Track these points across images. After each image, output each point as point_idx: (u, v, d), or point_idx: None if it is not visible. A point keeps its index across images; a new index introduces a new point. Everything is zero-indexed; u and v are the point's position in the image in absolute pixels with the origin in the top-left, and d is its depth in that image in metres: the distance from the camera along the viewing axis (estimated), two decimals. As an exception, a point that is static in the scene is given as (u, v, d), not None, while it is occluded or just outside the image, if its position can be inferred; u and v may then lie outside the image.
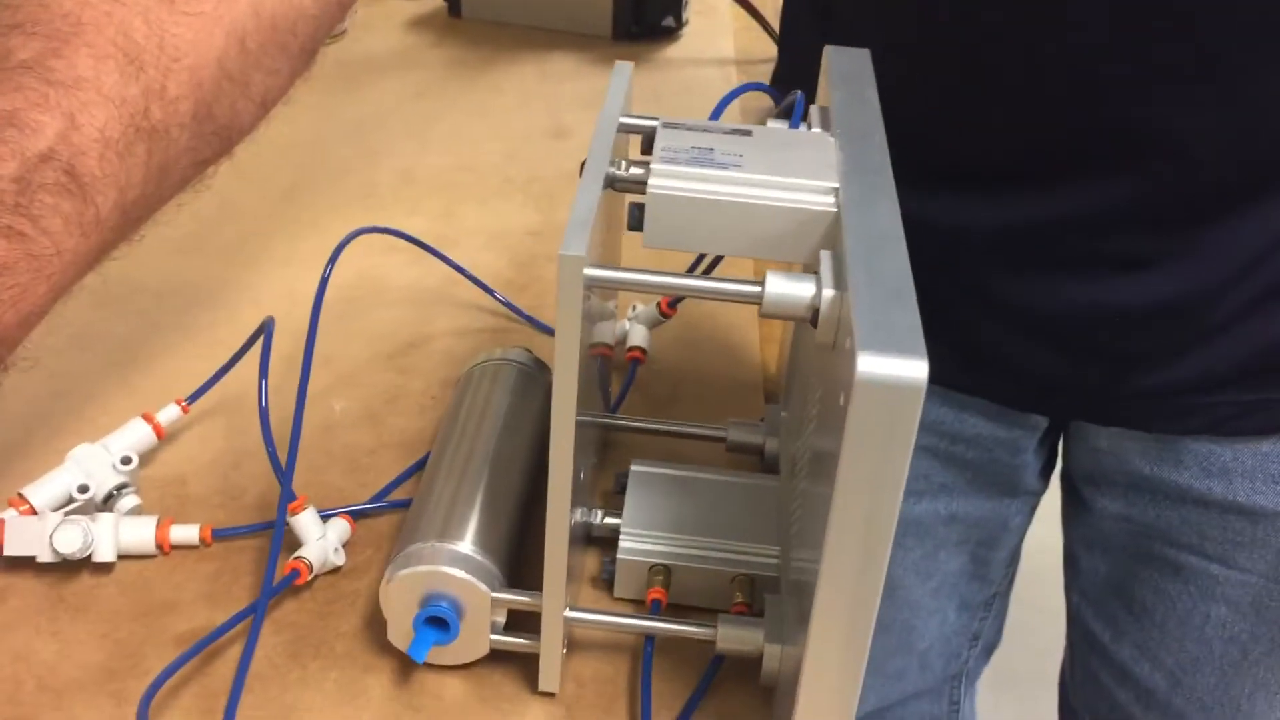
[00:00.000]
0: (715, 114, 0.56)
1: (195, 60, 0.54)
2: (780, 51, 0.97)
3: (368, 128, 0.98)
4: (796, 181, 0.47)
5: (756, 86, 0.60)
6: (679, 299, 0.70)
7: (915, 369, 0.37)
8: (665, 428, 0.63)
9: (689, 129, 0.50)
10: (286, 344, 0.68)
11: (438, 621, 0.50)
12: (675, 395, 0.69)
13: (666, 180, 0.47)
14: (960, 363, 0.88)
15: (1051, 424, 0.94)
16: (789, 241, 0.47)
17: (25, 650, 0.52)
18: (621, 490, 0.58)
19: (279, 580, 0.54)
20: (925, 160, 0.81)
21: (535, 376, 0.63)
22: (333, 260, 0.64)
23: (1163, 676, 0.95)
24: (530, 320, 0.74)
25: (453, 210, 0.86)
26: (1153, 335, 0.79)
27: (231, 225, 0.83)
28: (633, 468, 0.59)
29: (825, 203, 0.46)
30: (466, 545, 0.51)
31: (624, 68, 0.56)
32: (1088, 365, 0.82)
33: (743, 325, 0.76)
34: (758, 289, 0.44)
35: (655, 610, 0.54)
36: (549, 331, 0.74)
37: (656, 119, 0.52)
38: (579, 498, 0.52)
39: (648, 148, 0.51)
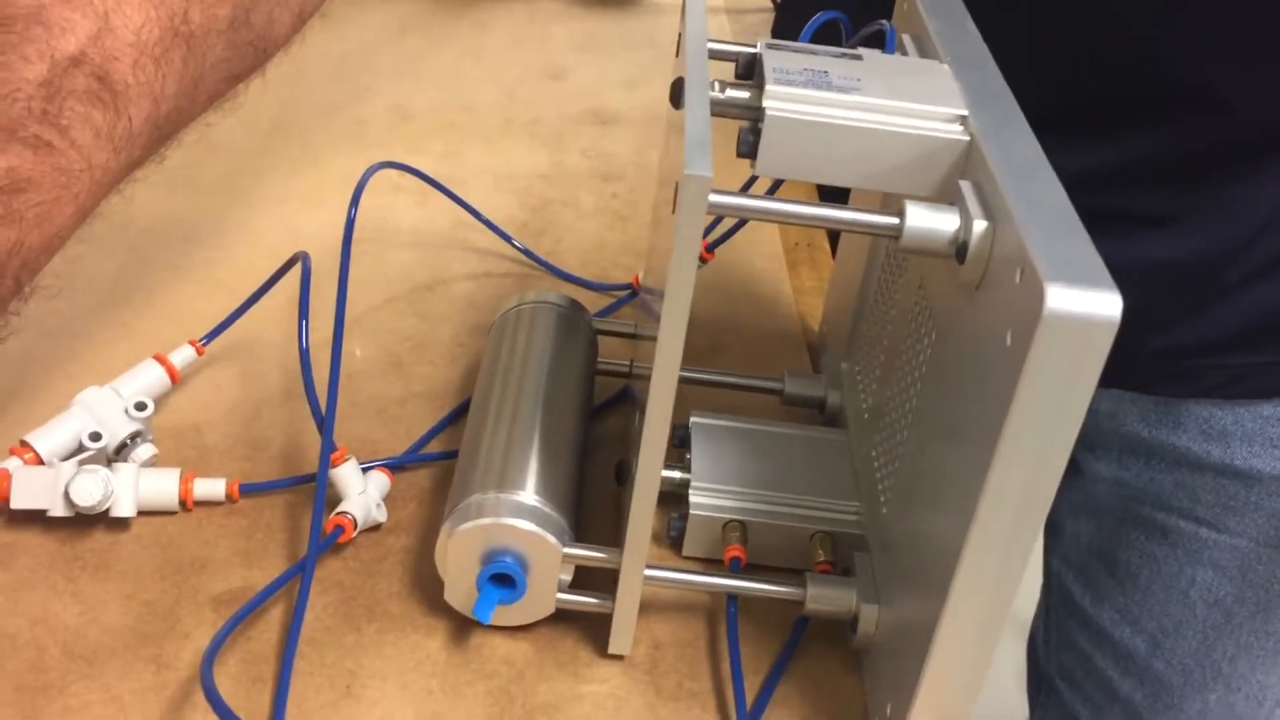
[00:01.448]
0: (804, 38, 0.52)
1: None
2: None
3: (352, 63, 0.92)
4: (922, 108, 0.43)
5: (834, 15, 0.56)
6: (720, 242, 0.66)
7: (1109, 304, 0.35)
8: (718, 378, 0.60)
9: (795, 51, 0.46)
10: (291, 285, 0.63)
11: (503, 579, 0.46)
12: (715, 345, 0.66)
13: (784, 103, 0.43)
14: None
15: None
16: (917, 171, 0.43)
17: (44, 613, 0.47)
18: (680, 443, 0.55)
19: (323, 538, 0.49)
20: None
21: (574, 319, 0.58)
22: (355, 199, 0.59)
23: (1143, 640, 0.95)
24: (551, 268, 0.70)
25: (456, 150, 0.81)
26: (1167, 295, 0.78)
27: (219, 161, 0.77)
28: (693, 419, 0.55)
29: (955, 130, 0.43)
30: (530, 495, 0.47)
31: (699, -9, 0.52)
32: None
33: (773, 274, 0.72)
34: (895, 221, 0.40)
35: (735, 568, 0.50)
36: (570, 279, 0.70)
37: (750, 43, 0.48)
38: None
39: (746, 73, 0.48)
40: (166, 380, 0.56)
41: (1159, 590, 0.95)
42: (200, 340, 0.57)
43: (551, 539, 0.46)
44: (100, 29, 0.45)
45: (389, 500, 0.53)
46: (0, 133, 0.43)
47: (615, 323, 0.61)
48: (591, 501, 0.52)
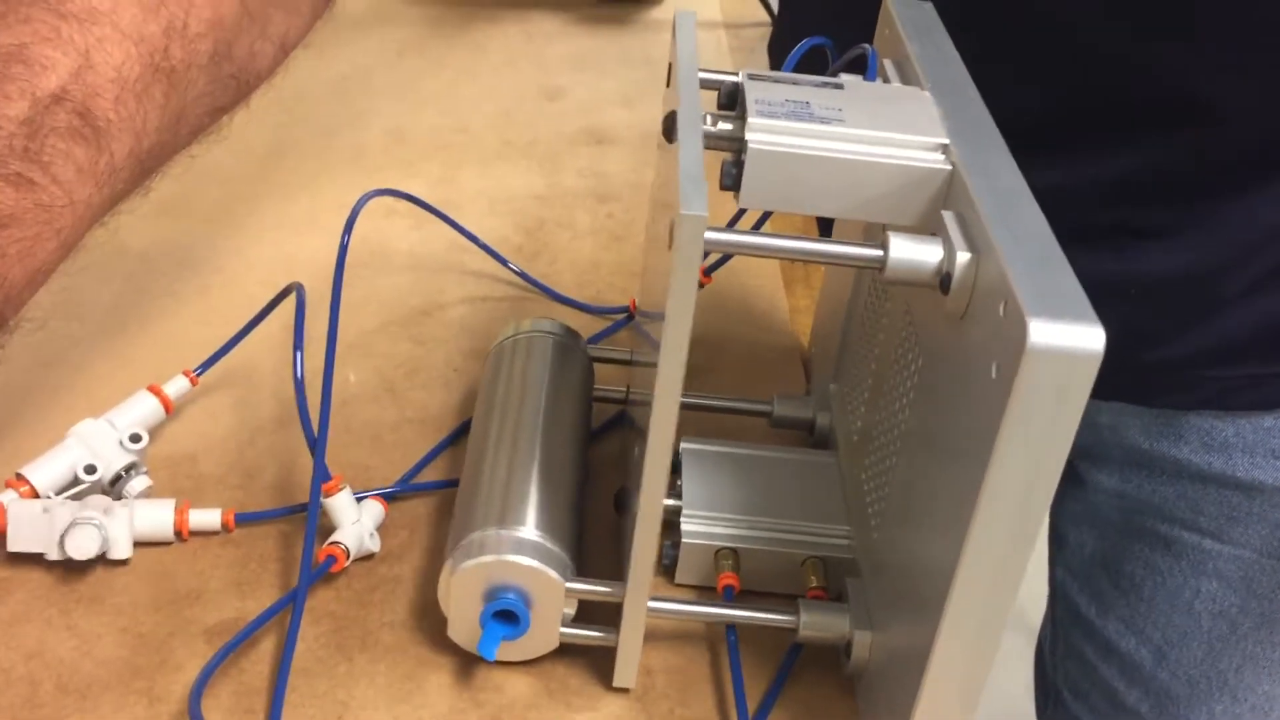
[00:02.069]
0: (787, 69, 0.52)
1: None
2: (781, 12, 0.93)
3: (350, 87, 0.92)
4: (904, 138, 0.43)
5: (819, 42, 0.56)
6: (717, 265, 0.66)
7: (1092, 337, 0.35)
8: (707, 402, 0.60)
9: (776, 81, 0.47)
10: (286, 313, 0.63)
11: (506, 615, 0.46)
12: (711, 366, 0.66)
13: (766, 135, 0.43)
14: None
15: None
16: (899, 201, 0.43)
17: (39, 648, 0.47)
18: (671, 470, 0.55)
19: (314, 568, 0.49)
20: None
21: (570, 347, 0.59)
22: (349, 226, 0.59)
23: (1149, 651, 0.95)
24: (546, 290, 0.70)
25: (451, 174, 0.82)
26: (1164, 307, 0.78)
27: (214, 187, 0.77)
28: (683, 445, 0.56)
29: (937, 159, 0.43)
30: (530, 531, 0.47)
31: (687, 16, 0.52)
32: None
33: (770, 293, 0.72)
34: (879, 253, 0.40)
35: (729, 596, 0.50)
36: (566, 302, 0.70)
37: (733, 73, 0.48)
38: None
39: (729, 103, 0.48)
40: (161, 411, 0.56)
41: (1163, 601, 0.95)
42: (195, 370, 0.58)
43: (554, 574, 0.46)
44: (81, 66, 0.45)
45: (383, 528, 0.54)
46: None
47: (611, 350, 0.61)
48: (590, 529, 0.53)
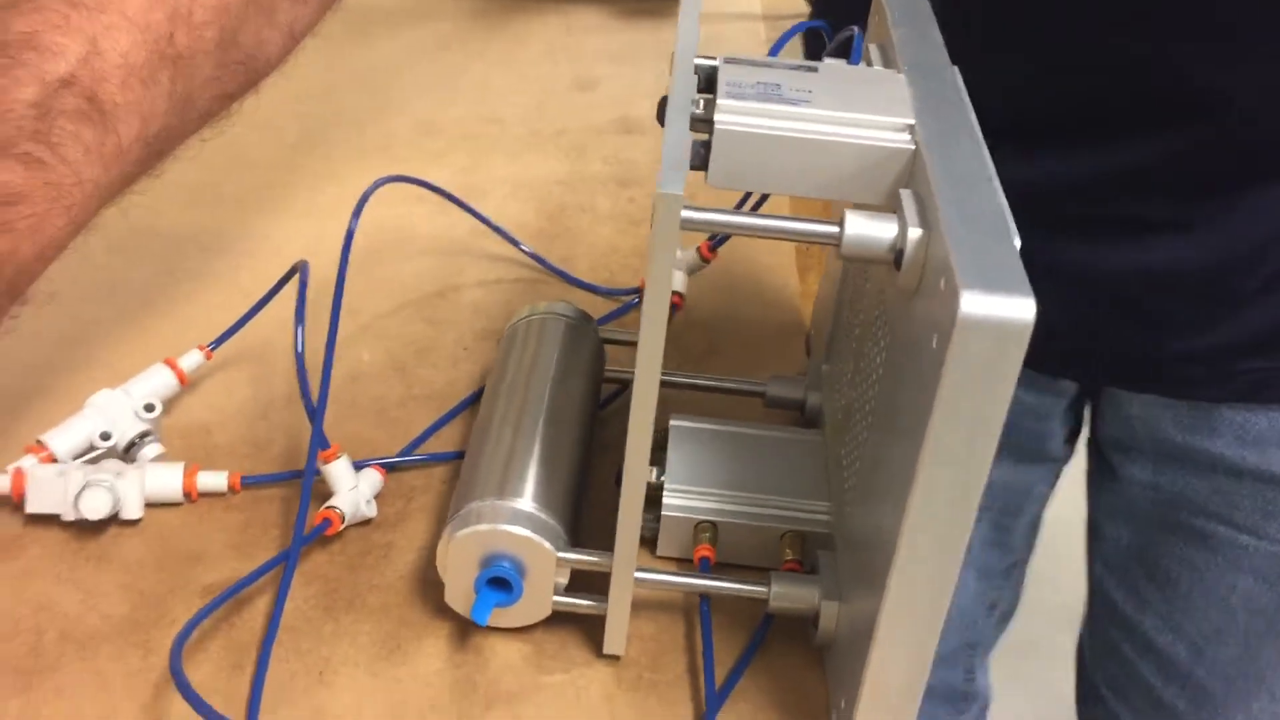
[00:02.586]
0: (773, 52, 0.53)
1: None
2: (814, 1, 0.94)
3: (382, 78, 0.95)
4: (870, 118, 0.44)
5: (815, 25, 0.57)
6: (720, 242, 0.67)
7: (1022, 308, 0.35)
8: (702, 382, 0.61)
9: (752, 65, 0.48)
10: (309, 293, 0.66)
11: (499, 583, 0.48)
12: (713, 348, 0.67)
13: (733, 116, 0.44)
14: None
15: (1081, 390, 0.92)
16: (863, 180, 0.44)
17: (47, 600, 0.50)
18: (659, 446, 0.56)
19: (310, 530, 0.51)
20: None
21: (582, 329, 0.60)
22: (358, 211, 0.61)
23: (1185, 647, 0.94)
24: (559, 273, 0.72)
25: (479, 162, 0.84)
26: (1190, 298, 0.78)
27: (246, 175, 0.80)
28: (671, 422, 0.57)
29: (901, 140, 0.44)
30: (527, 502, 0.49)
31: (693, 3, 0.53)
32: (1123, 329, 0.81)
33: (781, 269, 0.73)
34: (835, 230, 0.41)
35: (704, 568, 0.52)
36: (580, 285, 0.71)
37: (716, 58, 0.49)
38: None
39: (707, 86, 0.49)
40: (175, 383, 0.59)
41: (1199, 597, 0.94)
42: (209, 345, 0.60)
43: (546, 544, 0.48)
44: (89, 53, 0.48)
45: (381, 498, 0.56)
46: None
47: (621, 331, 0.63)
48: (597, 505, 0.54)
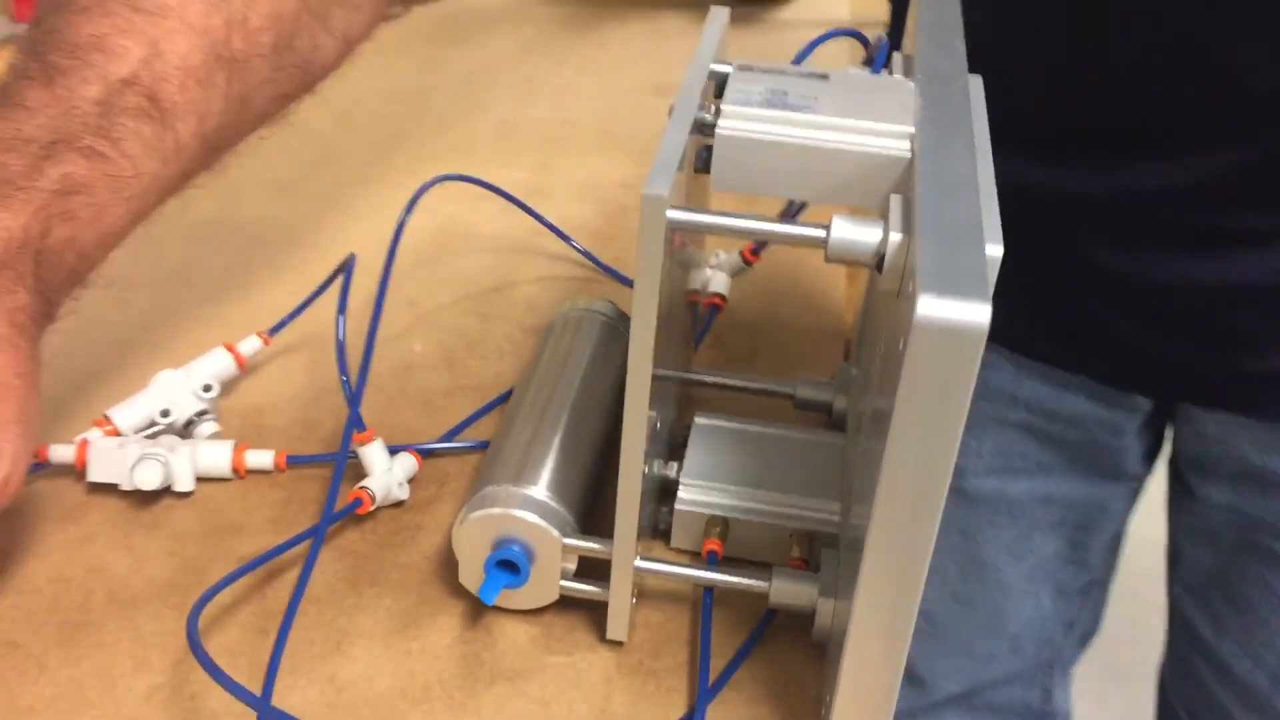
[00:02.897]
0: (799, 59, 0.55)
1: None
2: (891, 5, 0.94)
3: (474, 81, 0.98)
4: (870, 125, 0.45)
5: (846, 32, 0.58)
6: (762, 245, 0.68)
7: (976, 313, 0.36)
8: (733, 383, 0.62)
9: (765, 72, 0.49)
10: (365, 284, 0.69)
11: (508, 565, 0.50)
12: (755, 348, 0.68)
13: (736, 122, 0.46)
14: (1062, 339, 0.86)
15: (1157, 407, 0.91)
16: (860, 186, 0.45)
17: (99, 563, 0.54)
18: (683, 443, 0.58)
19: (341, 508, 0.54)
20: (1035, 124, 0.78)
21: (618, 328, 0.62)
22: (410, 206, 0.64)
23: (1265, 675, 0.91)
24: (610, 272, 0.74)
25: (550, 163, 0.86)
26: (1264, 315, 0.76)
27: (330, 171, 0.84)
28: (695, 420, 0.58)
29: (899, 148, 0.45)
30: (540, 490, 0.51)
31: (719, 13, 0.54)
32: (1195, 344, 0.79)
33: (828, 273, 0.74)
34: (822, 233, 0.42)
35: (711, 562, 0.53)
36: (628, 283, 0.73)
37: (732, 64, 0.51)
38: (654, 450, 0.52)
39: (719, 93, 0.50)
40: (234, 366, 0.62)
41: (1278, 622, 0.91)
42: (268, 331, 0.64)
43: (553, 530, 0.50)
44: (150, 54, 0.51)
45: (415, 481, 0.58)
46: (60, 144, 0.50)
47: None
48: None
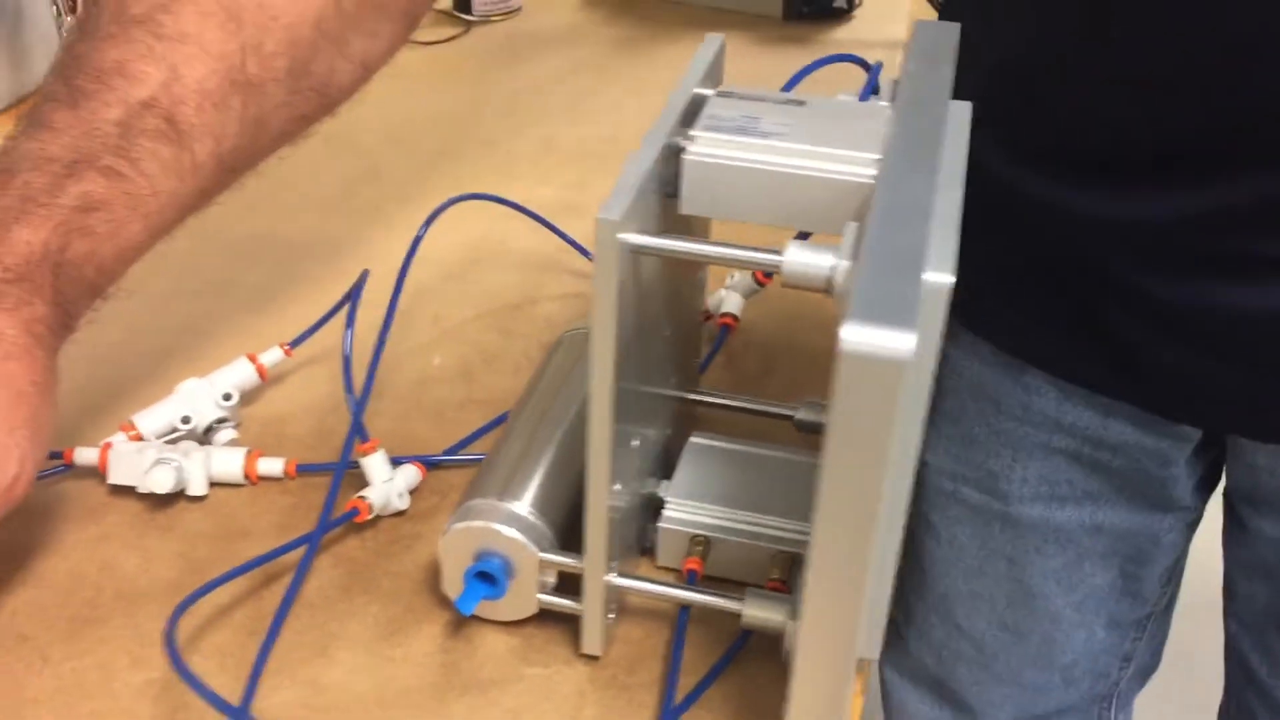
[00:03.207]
0: (790, 84, 0.55)
1: (292, 19, 0.57)
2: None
3: (523, 101, 1.00)
4: (836, 152, 0.46)
5: (845, 57, 0.59)
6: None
7: (900, 341, 0.36)
8: (734, 403, 0.63)
9: (742, 98, 0.50)
10: (404, 300, 0.71)
11: (487, 577, 0.51)
12: (768, 369, 0.69)
13: (705, 148, 0.47)
14: (1106, 365, 0.84)
15: (1207, 437, 0.88)
16: (824, 212, 0.46)
17: (112, 562, 0.57)
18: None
19: (339, 515, 0.56)
20: (1080, 149, 0.77)
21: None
22: (428, 223, 0.66)
23: (1320, 718, 0.88)
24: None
25: (586, 180, 0.88)
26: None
27: (375, 188, 0.87)
28: (690, 439, 0.59)
29: (863, 174, 0.45)
30: (524, 505, 0.52)
31: (714, 40, 0.55)
32: (1241, 374, 0.77)
33: (850, 306, 0.74)
34: (778, 258, 0.43)
35: (691, 581, 0.54)
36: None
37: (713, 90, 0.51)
38: (642, 468, 0.53)
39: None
40: (255, 376, 0.65)
41: (1334, 666, 0.89)
42: (288, 344, 0.66)
43: (530, 546, 0.51)
44: (169, 78, 0.54)
45: (417, 492, 0.60)
46: (81, 163, 0.52)
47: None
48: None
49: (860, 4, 1.13)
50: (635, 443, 0.51)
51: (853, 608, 0.41)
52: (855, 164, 0.45)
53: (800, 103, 0.49)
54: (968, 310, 0.93)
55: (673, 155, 0.47)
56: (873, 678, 1.18)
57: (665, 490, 0.56)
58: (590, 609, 0.51)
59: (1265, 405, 0.78)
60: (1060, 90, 0.76)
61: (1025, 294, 0.88)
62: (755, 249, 0.44)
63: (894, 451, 0.38)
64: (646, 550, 0.56)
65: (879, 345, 0.36)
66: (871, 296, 0.37)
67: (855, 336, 0.36)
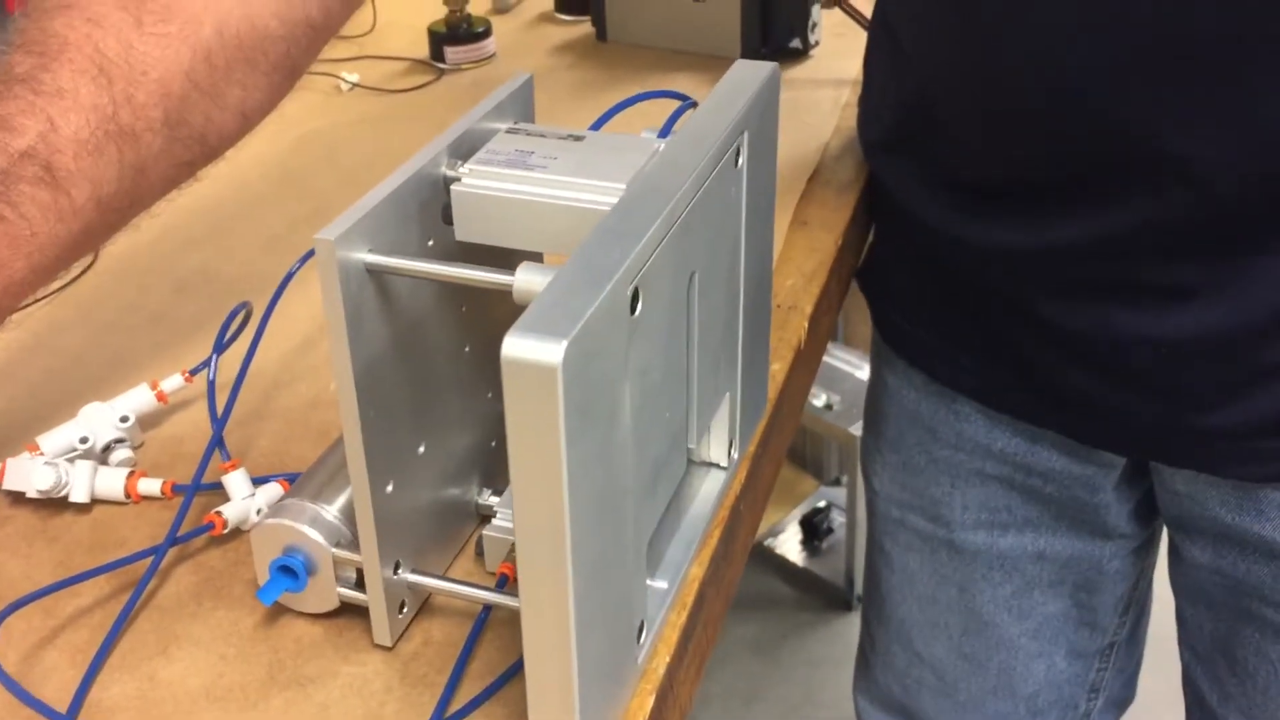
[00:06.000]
0: (597, 124, 0.59)
1: (163, 73, 0.63)
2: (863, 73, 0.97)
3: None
4: (589, 183, 0.49)
5: (663, 94, 0.62)
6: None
7: (550, 352, 0.39)
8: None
9: (529, 134, 0.54)
10: (307, 327, 0.76)
11: (288, 570, 0.56)
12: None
13: (473, 180, 0.51)
14: (1026, 392, 0.85)
15: (1135, 463, 0.89)
16: (573, 238, 0.49)
17: (2, 571, 0.62)
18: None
19: (194, 529, 0.61)
20: (980, 179, 0.80)
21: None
22: (302, 261, 0.71)
23: (1269, 750, 0.88)
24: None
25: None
26: (1202, 371, 0.75)
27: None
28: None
29: (604, 202, 0.49)
30: (332, 509, 0.57)
31: (519, 78, 0.59)
32: (1148, 401, 0.78)
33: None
34: (510, 278, 0.47)
35: (501, 584, 0.57)
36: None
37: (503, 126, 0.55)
38: (423, 473, 0.56)
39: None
40: (155, 401, 0.70)
41: (1276, 693, 0.88)
42: (189, 371, 0.72)
43: (324, 542, 0.55)
44: (46, 129, 0.60)
45: (285, 507, 0.65)
46: None
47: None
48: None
49: (817, 44, 1.16)
50: (421, 449, 0.55)
51: (562, 600, 0.44)
52: (600, 193, 0.49)
53: (580, 138, 0.53)
54: (900, 338, 0.96)
55: (445, 186, 0.51)
56: (848, 704, 1.19)
57: (499, 502, 0.60)
58: (374, 601, 0.55)
59: (1172, 431, 0.79)
60: (957, 123, 0.79)
61: (947, 322, 0.90)
62: (490, 270, 0.48)
63: (575, 451, 0.41)
64: (479, 554, 0.60)
65: (529, 354, 0.39)
66: (542, 310, 0.41)
67: (513, 348, 0.39)
